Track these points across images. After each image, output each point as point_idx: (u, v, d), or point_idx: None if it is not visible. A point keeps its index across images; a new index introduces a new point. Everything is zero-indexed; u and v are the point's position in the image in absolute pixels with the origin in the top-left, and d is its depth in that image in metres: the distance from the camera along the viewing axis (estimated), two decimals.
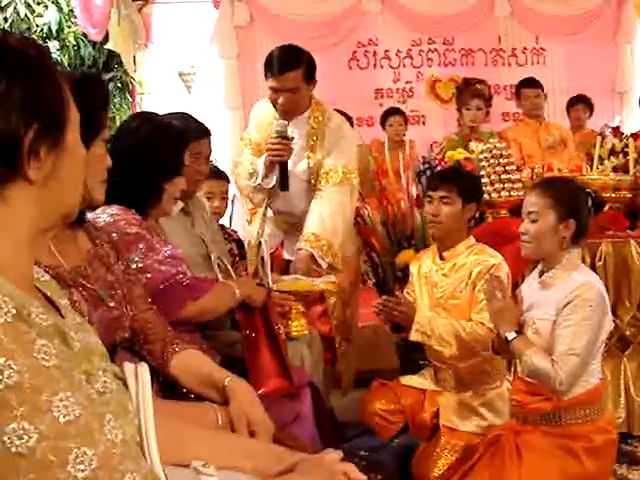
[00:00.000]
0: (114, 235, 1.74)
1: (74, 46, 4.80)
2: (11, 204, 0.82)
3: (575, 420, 2.00)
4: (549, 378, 1.92)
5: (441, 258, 2.52)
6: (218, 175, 3.04)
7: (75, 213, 0.93)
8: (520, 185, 3.31)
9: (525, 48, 6.57)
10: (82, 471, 0.72)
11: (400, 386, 2.57)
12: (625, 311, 3.02)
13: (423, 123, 6.45)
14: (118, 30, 4.75)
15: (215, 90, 6.06)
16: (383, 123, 5.60)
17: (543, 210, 2.04)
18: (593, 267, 2.87)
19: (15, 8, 4.59)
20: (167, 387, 1.62)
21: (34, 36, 4.51)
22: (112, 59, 5.04)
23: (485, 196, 3.11)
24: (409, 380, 2.60)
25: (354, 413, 2.71)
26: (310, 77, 2.82)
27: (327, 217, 2.81)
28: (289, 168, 2.83)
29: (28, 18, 4.66)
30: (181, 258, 1.95)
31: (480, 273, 2.38)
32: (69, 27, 4.78)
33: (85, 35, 4.73)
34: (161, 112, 2.28)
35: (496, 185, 3.31)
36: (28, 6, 4.66)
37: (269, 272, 2.20)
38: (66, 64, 4.67)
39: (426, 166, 3.64)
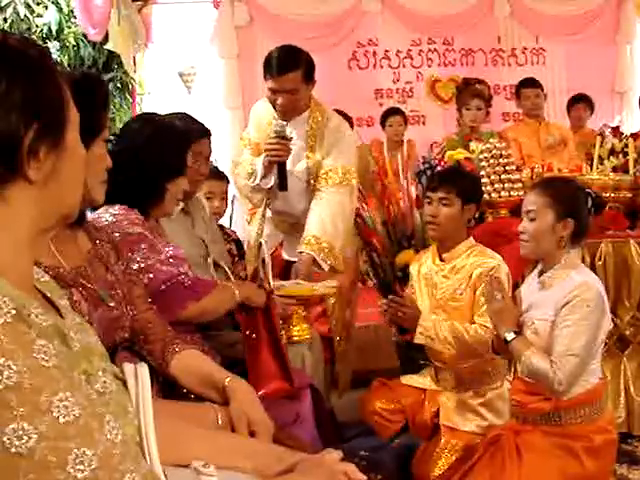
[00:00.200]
0: (116, 235, 1.74)
1: (74, 46, 4.80)
2: (11, 204, 0.82)
3: (575, 420, 1.99)
4: (547, 379, 1.92)
5: (441, 259, 2.52)
6: (218, 175, 3.04)
7: (75, 213, 0.93)
8: (520, 185, 3.31)
9: (525, 48, 6.57)
10: (82, 471, 0.72)
11: (400, 385, 2.57)
12: (625, 311, 3.03)
13: (423, 123, 6.46)
14: (118, 30, 4.76)
15: (215, 90, 6.07)
16: (383, 123, 5.60)
17: (541, 209, 2.04)
18: (593, 267, 2.87)
19: (15, 8, 4.59)
20: (167, 387, 1.62)
21: (34, 36, 4.51)
22: (112, 59, 5.05)
23: (485, 196, 3.11)
24: (409, 380, 2.60)
25: (354, 413, 2.71)
26: (309, 78, 2.82)
27: (327, 218, 2.81)
28: (288, 168, 2.83)
29: (28, 18, 4.66)
30: (183, 259, 1.95)
31: (480, 275, 2.37)
32: (69, 27, 4.78)
33: (85, 35, 4.73)
34: (161, 112, 2.28)
35: (496, 185, 3.31)
36: (28, 6, 4.66)
37: (270, 273, 2.20)
38: (66, 64, 4.67)
39: (426, 166, 3.64)
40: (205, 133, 2.36)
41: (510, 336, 2.00)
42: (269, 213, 3.08)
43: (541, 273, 2.11)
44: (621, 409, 3.03)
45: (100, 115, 1.50)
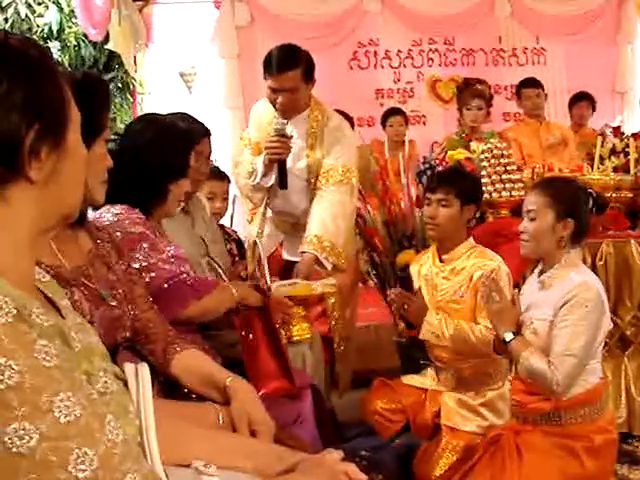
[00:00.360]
0: (118, 234, 1.74)
1: (75, 46, 4.81)
2: (12, 204, 0.82)
3: (575, 420, 1.99)
4: (545, 379, 1.92)
5: (440, 260, 2.52)
6: (220, 176, 3.04)
7: (76, 213, 0.93)
8: (521, 185, 3.31)
9: (525, 48, 6.56)
10: (83, 471, 0.72)
11: (401, 385, 2.57)
12: (626, 311, 3.03)
13: (424, 123, 6.45)
14: (119, 30, 4.75)
15: (216, 90, 6.06)
16: (384, 123, 5.59)
17: (542, 209, 2.04)
18: (594, 267, 2.87)
19: (16, 8, 4.60)
20: (168, 387, 1.62)
21: (35, 36, 4.53)
22: (113, 59, 5.05)
23: (486, 196, 3.11)
24: (410, 379, 2.60)
25: (355, 413, 2.71)
26: (309, 76, 2.82)
27: (328, 218, 2.81)
28: (288, 166, 2.83)
29: (29, 18, 4.67)
30: (184, 258, 1.95)
31: (481, 277, 2.37)
32: (70, 27, 4.79)
33: (86, 35, 4.74)
34: (162, 112, 2.28)
35: (497, 185, 3.31)
36: (29, 6, 4.67)
37: (267, 272, 2.20)
38: (67, 64, 4.68)
39: (427, 166, 3.64)
40: (205, 133, 2.37)
41: (509, 336, 2.00)
42: (270, 213, 3.08)
43: (541, 273, 2.10)
44: (622, 409, 3.03)
45: (101, 115, 1.50)
